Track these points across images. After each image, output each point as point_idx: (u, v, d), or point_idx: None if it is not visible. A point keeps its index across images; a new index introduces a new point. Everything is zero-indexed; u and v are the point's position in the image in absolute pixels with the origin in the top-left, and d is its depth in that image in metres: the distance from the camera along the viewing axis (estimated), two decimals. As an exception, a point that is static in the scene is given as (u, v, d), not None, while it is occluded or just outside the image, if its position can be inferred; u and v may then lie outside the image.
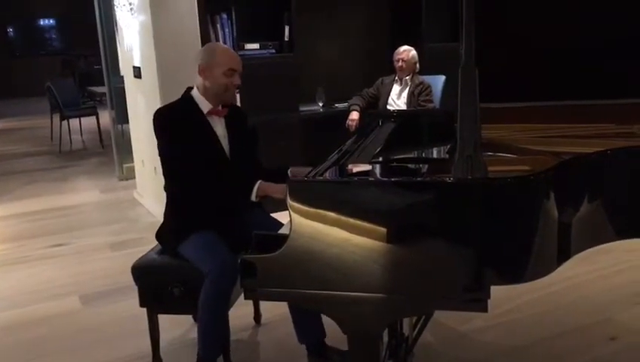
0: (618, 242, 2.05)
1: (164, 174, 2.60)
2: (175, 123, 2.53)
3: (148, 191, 5.32)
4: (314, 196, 1.76)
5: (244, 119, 2.77)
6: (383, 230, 1.69)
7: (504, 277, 1.73)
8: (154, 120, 2.56)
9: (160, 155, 2.59)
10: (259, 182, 2.47)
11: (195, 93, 2.59)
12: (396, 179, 1.90)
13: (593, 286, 3.37)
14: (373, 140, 2.50)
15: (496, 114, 2.46)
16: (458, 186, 1.70)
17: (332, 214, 1.72)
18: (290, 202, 1.76)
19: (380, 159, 2.23)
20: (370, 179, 1.95)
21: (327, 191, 1.78)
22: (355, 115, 4.84)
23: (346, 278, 1.75)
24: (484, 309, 1.68)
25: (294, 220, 1.76)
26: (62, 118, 8.24)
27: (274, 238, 1.89)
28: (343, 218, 1.71)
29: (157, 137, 2.57)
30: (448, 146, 2.36)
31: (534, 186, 1.73)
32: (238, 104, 4.44)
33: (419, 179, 1.94)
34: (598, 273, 3.50)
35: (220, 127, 2.61)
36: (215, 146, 2.57)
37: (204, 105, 2.57)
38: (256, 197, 2.46)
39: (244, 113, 2.81)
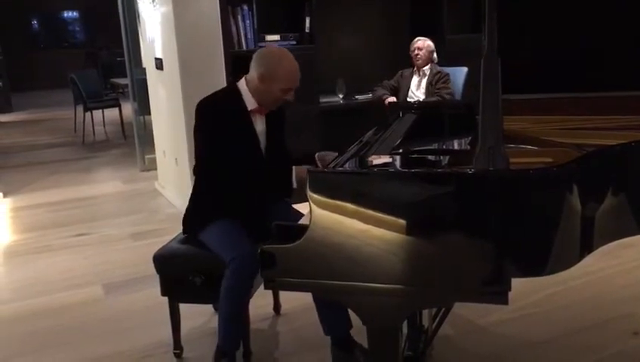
0: (642, 236, 2.02)
1: (197, 162, 2.56)
2: (216, 116, 2.47)
3: (169, 182, 5.36)
4: (334, 187, 1.76)
5: (283, 114, 2.71)
6: (403, 222, 1.69)
7: (525, 270, 1.72)
8: (196, 110, 2.49)
9: (196, 145, 2.54)
10: (293, 168, 2.47)
11: (242, 86, 2.51)
12: (416, 170, 1.89)
13: (616, 280, 3.33)
14: (394, 132, 2.49)
15: (519, 105, 2.44)
16: (479, 178, 1.69)
17: (352, 205, 1.72)
18: (309, 193, 1.76)
19: (400, 151, 2.22)
20: (390, 170, 1.94)
21: (347, 182, 1.78)
22: (390, 98, 4.89)
23: (365, 269, 1.75)
24: (505, 302, 1.67)
25: (314, 211, 1.76)
26: (85, 110, 8.34)
27: (294, 229, 1.90)
28: (363, 209, 1.71)
29: (196, 127, 2.51)
30: (469, 138, 2.34)
31: (557, 178, 1.72)
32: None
33: (439, 170, 1.93)
34: (621, 267, 3.46)
35: (259, 123, 2.57)
36: (252, 143, 2.54)
37: (250, 103, 2.50)
38: (296, 182, 2.45)
39: (282, 108, 2.70)
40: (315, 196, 1.76)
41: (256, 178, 2.50)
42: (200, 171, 2.58)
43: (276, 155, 2.62)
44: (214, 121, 2.47)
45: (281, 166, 2.56)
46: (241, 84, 2.53)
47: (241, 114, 2.51)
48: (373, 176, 1.80)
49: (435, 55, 4.89)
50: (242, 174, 2.48)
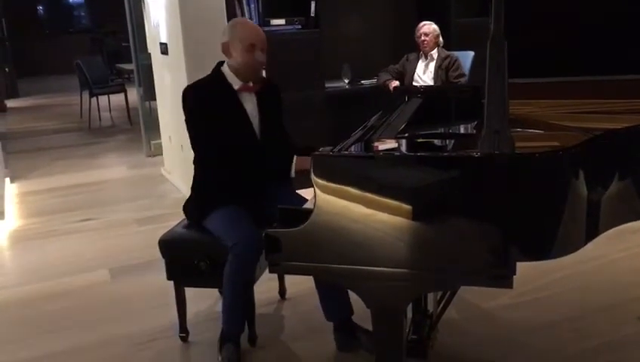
0: (649, 221, 2.01)
1: (193, 149, 2.60)
2: (204, 100, 2.50)
3: (175, 167, 5.37)
4: (338, 171, 1.75)
5: (277, 95, 2.72)
6: (408, 206, 1.68)
7: (530, 254, 1.72)
8: (182, 97, 2.53)
9: (188, 131, 2.57)
10: (295, 157, 2.45)
11: (225, 68, 2.56)
12: (421, 153, 1.88)
13: (622, 265, 3.32)
14: (399, 116, 2.48)
15: (525, 89, 2.42)
16: (485, 161, 1.68)
17: (356, 189, 1.71)
18: (314, 177, 1.76)
19: (406, 135, 2.21)
20: (395, 154, 1.93)
21: (352, 166, 1.77)
22: (393, 83, 4.84)
23: (370, 254, 1.75)
24: (510, 286, 1.67)
25: (318, 195, 1.76)
26: (91, 95, 8.34)
27: (298, 213, 1.90)
28: (367, 193, 1.71)
29: (185, 114, 2.55)
30: (475, 122, 2.33)
31: (563, 162, 1.70)
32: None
33: (444, 153, 1.92)
34: (628, 252, 3.45)
35: (250, 104, 2.57)
36: (244, 124, 2.55)
37: (235, 82, 2.54)
38: (295, 172, 2.45)
39: (276, 88, 2.74)
40: (320, 180, 1.75)
41: (252, 160, 2.50)
42: (198, 160, 2.61)
43: (273, 138, 2.60)
44: (202, 105, 2.49)
45: (280, 150, 2.55)
46: (224, 67, 2.56)
47: (228, 94, 2.53)
48: (377, 160, 1.79)
49: (440, 38, 4.85)
50: (238, 156, 2.48)
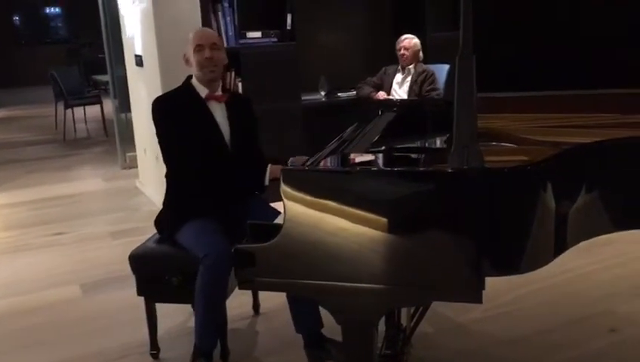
0: (620, 233, 2.02)
1: (164, 161, 2.59)
2: (172, 110, 2.54)
3: (150, 180, 5.32)
4: (307, 185, 1.74)
5: (248, 106, 2.76)
6: (376, 219, 1.67)
7: (500, 269, 1.72)
8: (152, 108, 2.57)
9: (158, 143, 2.59)
10: (269, 165, 2.52)
11: (193, 80, 2.60)
12: (390, 168, 1.88)
13: (594, 277, 3.35)
14: (372, 129, 2.48)
15: (497, 103, 2.43)
16: (454, 176, 1.68)
17: (325, 203, 1.70)
18: (283, 191, 1.74)
19: (378, 148, 2.21)
20: (364, 168, 1.93)
21: (321, 181, 1.76)
22: (381, 94, 4.86)
23: (339, 269, 1.73)
24: (479, 301, 1.67)
25: (288, 210, 1.74)
26: (66, 107, 8.25)
27: (268, 228, 1.88)
28: (337, 207, 1.69)
29: (155, 125, 2.57)
30: (447, 136, 2.33)
31: (531, 177, 1.71)
32: (240, 92, 4.43)
33: (413, 168, 1.92)
34: (600, 264, 3.47)
35: (219, 113, 2.60)
36: (213, 132, 2.56)
37: (202, 91, 2.57)
38: (269, 180, 2.52)
39: (247, 100, 2.82)
40: (290, 193, 1.74)
41: (223, 170, 2.52)
42: (169, 172, 2.61)
43: (244, 149, 2.62)
44: (171, 115, 2.53)
45: (253, 162, 2.58)
46: (193, 79, 2.60)
47: (197, 103, 2.57)
48: (346, 175, 1.78)
49: (421, 54, 4.87)
50: (208, 167, 2.50)
